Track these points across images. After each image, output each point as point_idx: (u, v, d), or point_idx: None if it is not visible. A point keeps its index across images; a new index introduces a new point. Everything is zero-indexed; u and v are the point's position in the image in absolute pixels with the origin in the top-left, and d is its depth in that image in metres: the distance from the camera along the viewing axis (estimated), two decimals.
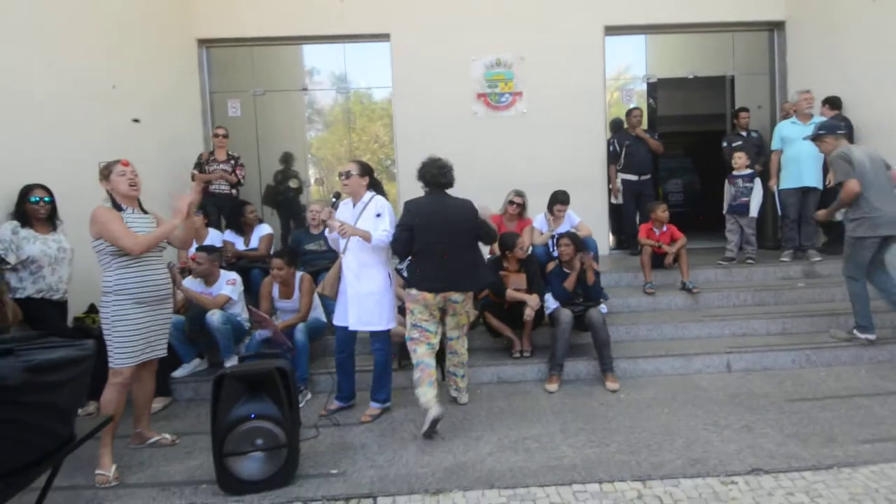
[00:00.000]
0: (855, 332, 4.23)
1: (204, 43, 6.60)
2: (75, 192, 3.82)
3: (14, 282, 3.50)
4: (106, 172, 2.87)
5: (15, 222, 3.55)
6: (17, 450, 1.43)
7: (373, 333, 3.47)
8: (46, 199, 3.67)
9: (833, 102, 5.77)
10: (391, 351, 3.61)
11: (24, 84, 3.92)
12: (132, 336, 2.84)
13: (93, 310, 4.27)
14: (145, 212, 3.01)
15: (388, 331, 3.51)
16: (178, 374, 4.07)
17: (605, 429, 3.22)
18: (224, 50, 6.74)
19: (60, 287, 3.72)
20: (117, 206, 2.88)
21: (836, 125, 4.41)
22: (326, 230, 3.53)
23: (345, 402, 3.65)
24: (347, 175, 3.41)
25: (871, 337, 4.18)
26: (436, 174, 3.38)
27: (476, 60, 6.64)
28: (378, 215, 3.38)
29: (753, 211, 5.52)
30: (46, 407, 1.49)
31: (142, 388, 3.07)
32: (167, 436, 3.26)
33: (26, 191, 3.57)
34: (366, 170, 3.46)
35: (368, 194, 3.45)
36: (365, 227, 3.34)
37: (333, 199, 3.60)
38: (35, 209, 3.53)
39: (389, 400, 3.60)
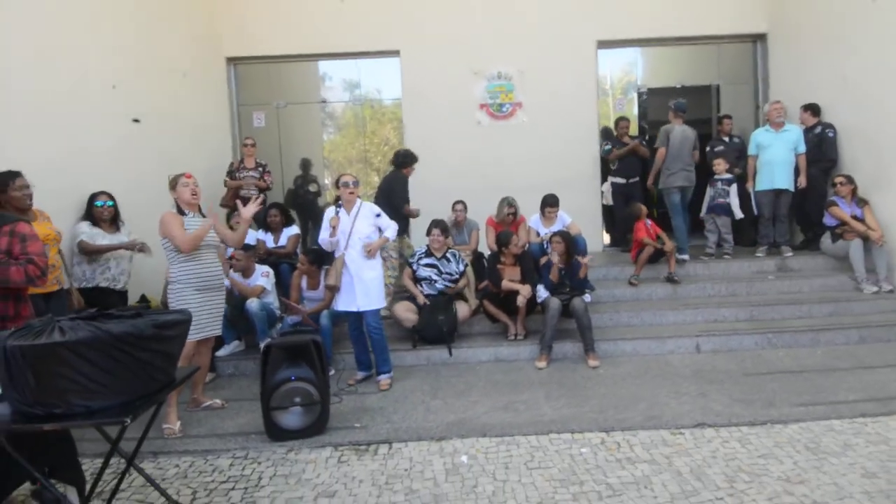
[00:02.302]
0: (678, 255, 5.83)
1: (232, 60, 7.29)
2: (137, 199, 4.53)
3: (87, 273, 4.20)
4: (173, 183, 3.54)
5: (87, 222, 4.25)
6: (147, 381, 2.07)
7: (368, 313, 4.09)
8: (109, 203, 4.37)
9: (814, 109, 6.27)
10: (383, 326, 4.22)
11: (90, 107, 4.61)
12: (193, 316, 3.48)
13: (143, 299, 4.97)
14: (204, 216, 3.67)
15: (380, 309, 4.17)
16: (221, 353, 4.73)
17: (582, 395, 3.84)
18: (250, 66, 7.43)
19: (122, 278, 4.41)
20: (181, 211, 3.55)
21: (680, 105, 6.00)
22: (327, 236, 4.08)
23: (366, 371, 4.32)
24: (356, 185, 4.14)
25: (686, 257, 5.93)
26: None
27: (479, 74, 7.25)
28: (378, 215, 4.19)
29: (738, 213, 6.06)
30: (163, 353, 2.13)
31: (200, 361, 3.72)
32: (218, 401, 3.93)
33: (93, 197, 4.27)
34: (358, 182, 4.22)
35: (357, 201, 4.17)
36: (362, 227, 4.10)
37: (337, 210, 4.10)
38: (100, 212, 4.22)
39: (392, 369, 4.26)
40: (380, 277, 4.20)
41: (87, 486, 2.53)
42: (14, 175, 3.54)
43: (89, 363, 1.89)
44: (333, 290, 4.20)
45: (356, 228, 4.08)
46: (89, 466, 3.02)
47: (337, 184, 4.25)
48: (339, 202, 4.19)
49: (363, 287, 4.05)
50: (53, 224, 3.76)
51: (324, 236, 4.15)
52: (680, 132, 5.88)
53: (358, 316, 4.18)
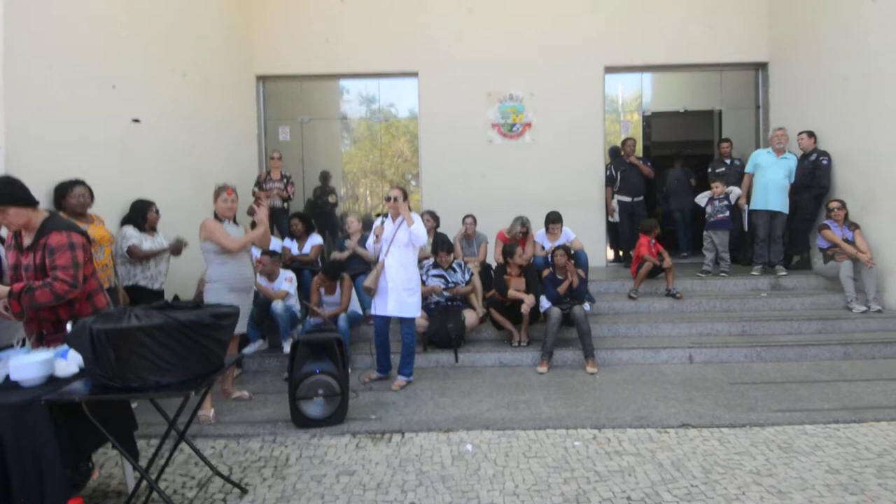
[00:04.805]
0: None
1: (261, 78, 7.80)
2: (173, 204, 4.97)
3: (130, 272, 4.62)
4: (217, 194, 3.97)
5: (131, 226, 4.67)
6: (204, 362, 2.46)
7: (402, 320, 4.46)
8: (158, 210, 4.81)
9: (811, 133, 6.60)
10: (415, 335, 4.59)
11: (136, 124, 5.06)
12: None
13: (175, 299, 5.38)
14: (237, 223, 4.10)
15: (415, 319, 4.50)
16: (247, 350, 5.13)
17: (578, 397, 4.17)
18: (277, 84, 7.93)
19: (159, 278, 4.82)
20: (218, 219, 3.98)
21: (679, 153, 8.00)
22: (372, 242, 4.48)
23: (383, 373, 4.66)
24: (395, 199, 4.39)
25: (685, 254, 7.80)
26: None
27: (492, 95, 7.68)
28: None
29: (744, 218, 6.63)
30: (218, 340, 2.52)
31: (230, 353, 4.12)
32: (245, 393, 4.32)
33: (149, 204, 4.69)
34: (405, 194, 4.49)
35: None
36: (403, 236, 4.36)
37: (382, 219, 4.52)
38: (155, 218, 4.67)
39: (412, 374, 4.59)
40: (414, 288, 4.44)
41: (148, 459, 2.93)
42: (75, 184, 4.00)
43: (160, 345, 2.28)
44: (370, 292, 4.49)
45: (397, 237, 4.40)
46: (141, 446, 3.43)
47: None
48: (388, 213, 4.54)
49: (396, 294, 4.36)
50: (107, 227, 4.19)
51: (369, 242, 4.57)
52: (675, 173, 8.02)
53: (386, 321, 4.52)
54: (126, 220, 4.74)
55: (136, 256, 4.49)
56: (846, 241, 5.88)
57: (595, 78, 7.65)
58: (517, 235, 5.83)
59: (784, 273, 6.32)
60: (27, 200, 2.71)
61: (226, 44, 6.98)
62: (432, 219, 6.29)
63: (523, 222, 5.87)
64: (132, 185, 4.85)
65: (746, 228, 6.59)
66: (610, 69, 7.71)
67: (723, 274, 6.38)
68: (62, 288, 2.62)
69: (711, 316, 5.67)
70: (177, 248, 4.69)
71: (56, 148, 4.09)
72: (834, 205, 6.02)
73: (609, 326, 5.48)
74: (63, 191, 4.00)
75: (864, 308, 5.63)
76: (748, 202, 6.54)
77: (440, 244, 5.49)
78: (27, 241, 2.74)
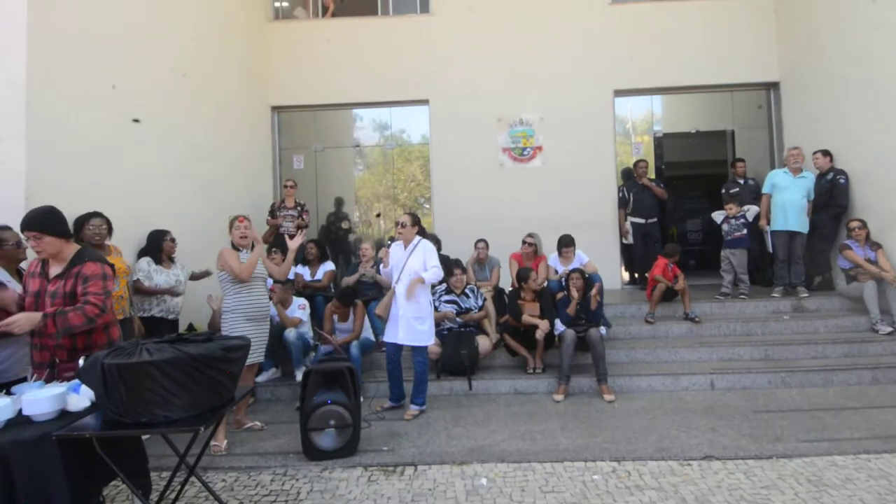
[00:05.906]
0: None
1: (276, 109, 7.96)
2: (191, 233, 5.03)
3: (145, 304, 4.65)
4: (231, 225, 4.01)
5: (148, 258, 4.72)
6: (214, 396, 2.44)
7: (414, 348, 4.41)
8: (174, 239, 4.86)
9: (826, 152, 6.51)
10: (428, 363, 4.53)
11: (151, 154, 5.16)
12: None
13: (190, 328, 5.40)
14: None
15: (427, 346, 4.45)
16: (259, 379, 5.10)
17: (596, 427, 4.06)
18: (292, 114, 8.08)
19: (175, 309, 4.85)
20: (235, 248, 4.01)
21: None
22: (381, 266, 4.52)
23: (395, 402, 4.58)
24: (403, 225, 4.40)
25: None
26: None
27: (502, 121, 7.73)
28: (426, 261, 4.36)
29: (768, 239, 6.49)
30: (228, 373, 2.51)
31: (245, 385, 4.09)
32: (258, 423, 4.28)
33: (164, 233, 4.75)
34: (416, 220, 4.48)
35: (416, 238, 4.46)
36: (415, 263, 4.34)
37: (389, 242, 4.60)
38: (171, 247, 4.71)
39: (425, 403, 4.52)
40: (426, 316, 4.38)
41: (159, 493, 2.90)
42: (91, 216, 4.07)
43: (171, 379, 2.27)
44: (382, 319, 4.50)
45: (409, 265, 4.37)
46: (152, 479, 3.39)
47: None
48: (396, 238, 4.56)
49: (406, 322, 4.31)
50: (124, 258, 4.24)
51: (381, 267, 4.58)
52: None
53: (398, 348, 4.47)
54: (143, 252, 4.80)
55: (141, 292, 4.52)
56: (868, 260, 5.73)
57: (604, 101, 7.67)
58: (526, 249, 5.82)
59: (806, 294, 6.16)
60: (63, 233, 2.85)
61: (244, 78, 7.15)
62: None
63: (530, 234, 5.91)
64: (150, 215, 4.91)
65: (771, 249, 6.46)
66: (619, 92, 7.73)
67: (742, 296, 6.24)
68: (93, 311, 2.73)
69: (732, 340, 5.52)
70: (197, 278, 4.76)
71: (76, 181, 4.17)
72: (854, 224, 5.89)
73: (627, 352, 5.37)
74: (80, 223, 4.07)
75: (889, 329, 5.44)
76: (768, 223, 6.43)
77: (453, 263, 5.45)
78: (56, 270, 2.85)
